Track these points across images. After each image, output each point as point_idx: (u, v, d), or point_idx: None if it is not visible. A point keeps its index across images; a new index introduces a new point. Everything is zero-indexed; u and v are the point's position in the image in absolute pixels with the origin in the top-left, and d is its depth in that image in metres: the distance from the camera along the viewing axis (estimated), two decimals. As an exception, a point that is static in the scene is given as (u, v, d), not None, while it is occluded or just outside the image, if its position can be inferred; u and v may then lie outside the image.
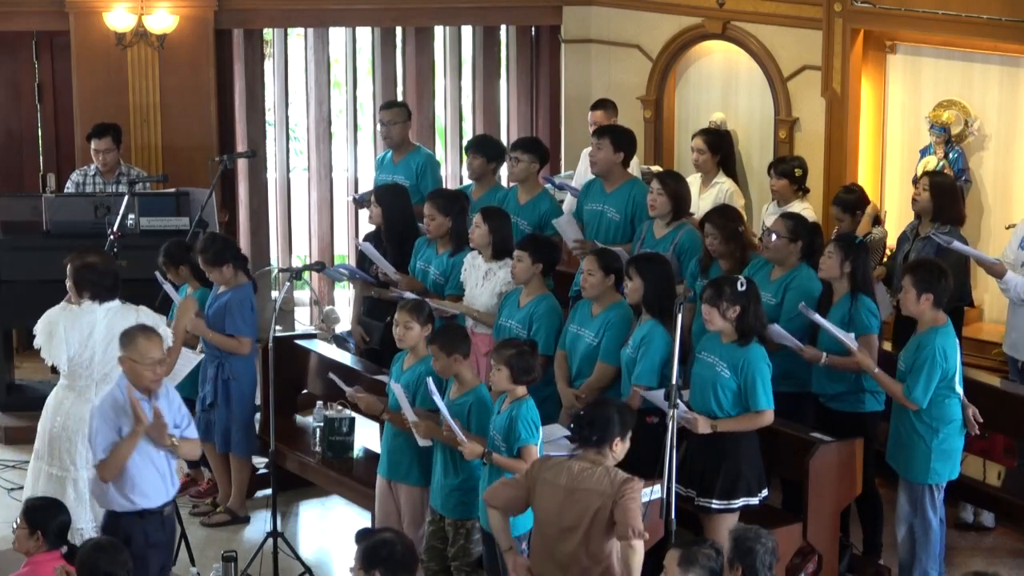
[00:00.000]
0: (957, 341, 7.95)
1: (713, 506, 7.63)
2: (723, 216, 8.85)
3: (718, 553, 6.05)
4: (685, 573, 5.95)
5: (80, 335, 7.98)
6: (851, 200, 9.66)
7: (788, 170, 9.97)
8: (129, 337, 7.09)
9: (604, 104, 11.18)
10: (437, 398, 7.42)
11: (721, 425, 7.58)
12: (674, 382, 7.19)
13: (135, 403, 6.98)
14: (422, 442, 7.72)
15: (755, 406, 7.59)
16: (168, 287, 9.15)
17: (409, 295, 8.71)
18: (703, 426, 7.53)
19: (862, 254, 8.32)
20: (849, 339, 7.97)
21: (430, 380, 7.55)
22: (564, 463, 6.70)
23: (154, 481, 7.11)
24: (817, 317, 8.06)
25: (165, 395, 7.20)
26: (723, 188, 10.31)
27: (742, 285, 7.64)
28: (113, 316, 7.99)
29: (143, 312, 8.08)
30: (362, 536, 6.01)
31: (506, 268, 8.85)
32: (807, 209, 9.80)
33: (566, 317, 8.60)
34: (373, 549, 5.83)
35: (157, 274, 9.19)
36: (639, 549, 6.47)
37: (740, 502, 7.64)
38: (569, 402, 8.31)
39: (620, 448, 6.71)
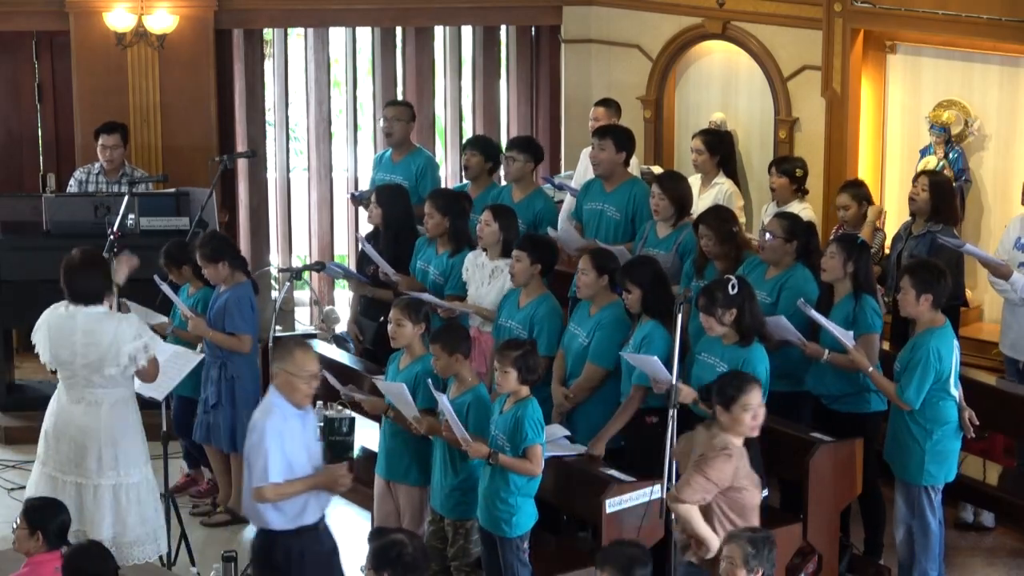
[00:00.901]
0: (955, 343, 7.94)
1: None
2: (717, 217, 8.84)
3: (645, 554, 6.05)
4: (601, 573, 5.94)
5: (63, 337, 7.92)
6: (862, 193, 9.64)
7: (790, 169, 9.97)
8: (285, 349, 6.96)
9: (608, 103, 11.17)
10: (442, 399, 7.41)
11: (702, 403, 7.59)
12: (674, 382, 7.21)
13: (332, 476, 6.97)
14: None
15: None
16: (166, 288, 9.12)
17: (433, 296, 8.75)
18: (686, 395, 7.50)
19: (864, 254, 8.32)
20: (847, 337, 7.97)
21: (430, 382, 7.55)
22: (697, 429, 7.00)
23: (316, 495, 7.04)
24: (815, 314, 8.05)
25: (306, 412, 7.07)
26: (722, 189, 10.30)
27: (733, 287, 7.65)
28: (94, 321, 7.86)
29: (125, 320, 7.94)
30: (375, 536, 5.99)
31: (513, 265, 8.84)
32: (806, 210, 9.79)
33: (566, 316, 8.59)
34: (383, 550, 5.81)
35: (156, 277, 9.15)
36: (677, 510, 6.66)
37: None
38: (559, 401, 8.30)
39: (725, 418, 6.77)
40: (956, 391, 7.91)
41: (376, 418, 8.45)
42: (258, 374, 9.38)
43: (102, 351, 7.80)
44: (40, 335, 7.99)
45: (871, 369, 7.97)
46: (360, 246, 9.97)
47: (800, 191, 9.96)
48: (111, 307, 8.03)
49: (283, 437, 6.85)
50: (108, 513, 7.86)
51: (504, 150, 10.20)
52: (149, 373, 7.95)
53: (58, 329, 7.89)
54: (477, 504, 7.57)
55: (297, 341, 7.17)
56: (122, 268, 8.48)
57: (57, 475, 7.97)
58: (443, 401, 7.40)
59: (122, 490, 7.94)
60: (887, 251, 9.75)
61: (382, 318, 9.03)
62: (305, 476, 6.92)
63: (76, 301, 7.87)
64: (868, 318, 8.18)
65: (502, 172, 10.48)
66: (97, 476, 7.93)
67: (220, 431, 9.21)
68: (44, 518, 6.69)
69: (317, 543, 7.04)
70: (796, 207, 9.71)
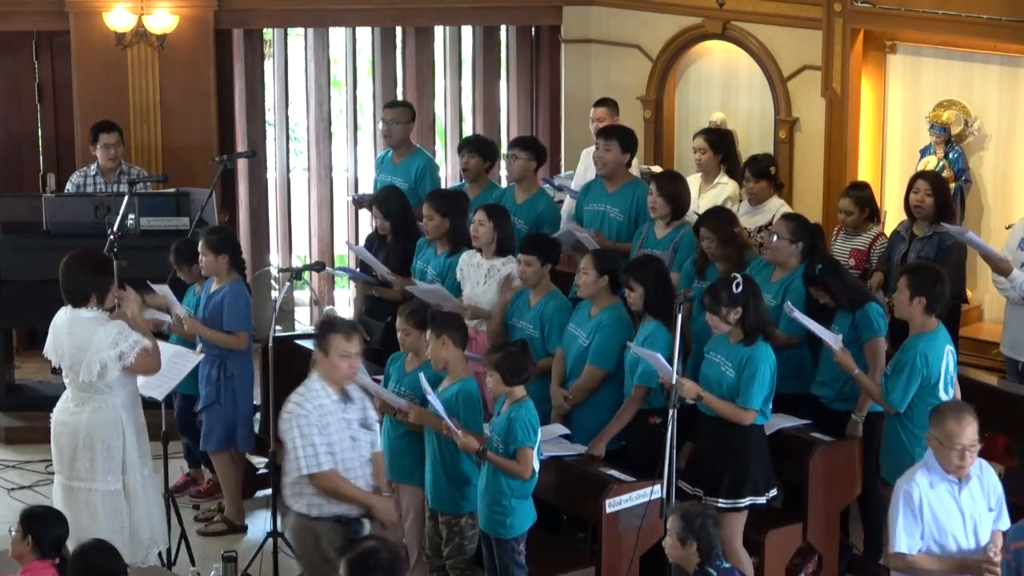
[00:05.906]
0: (950, 347, 7.80)
1: (719, 504, 7.59)
2: (718, 219, 8.83)
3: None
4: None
5: (56, 337, 7.88)
6: (865, 197, 9.61)
7: (764, 170, 9.87)
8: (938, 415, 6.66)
9: (607, 102, 11.17)
10: (432, 396, 7.41)
11: (706, 399, 7.58)
12: (674, 381, 7.21)
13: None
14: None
15: (743, 402, 7.57)
16: (160, 288, 9.02)
17: (432, 287, 8.74)
18: (690, 391, 7.50)
19: (829, 274, 8.24)
20: (835, 341, 7.93)
21: (422, 376, 7.54)
22: None
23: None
24: (800, 315, 8.00)
25: (963, 482, 6.67)
26: (723, 190, 10.28)
27: (738, 286, 7.63)
28: (78, 324, 7.75)
29: (104, 327, 7.72)
30: (347, 548, 5.88)
31: (509, 265, 8.83)
32: (783, 207, 9.75)
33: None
34: (361, 560, 5.69)
35: (148, 283, 9.06)
36: None
37: (747, 501, 7.63)
38: (558, 403, 8.30)
39: None
40: (947, 395, 7.81)
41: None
42: (253, 372, 9.38)
43: (80, 356, 7.69)
44: (50, 334, 7.97)
45: (856, 371, 7.91)
46: (354, 251, 9.96)
47: (776, 186, 9.92)
48: (101, 309, 7.92)
49: (924, 503, 6.56)
50: (83, 517, 7.64)
51: (506, 148, 10.19)
52: (146, 369, 7.81)
53: (55, 328, 7.89)
54: (469, 500, 7.58)
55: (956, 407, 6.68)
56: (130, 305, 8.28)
57: (57, 478, 7.94)
58: (432, 397, 7.41)
59: (97, 495, 7.76)
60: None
61: (389, 318, 9.03)
62: (949, 556, 6.61)
63: (66, 301, 7.84)
64: (872, 322, 8.14)
65: (503, 171, 10.48)
66: (69, 479, 7.80)
67: (216, 430, 9.19)
68: (39, 527, 6.54)
69: None
70: (775, 205, 9.69)
